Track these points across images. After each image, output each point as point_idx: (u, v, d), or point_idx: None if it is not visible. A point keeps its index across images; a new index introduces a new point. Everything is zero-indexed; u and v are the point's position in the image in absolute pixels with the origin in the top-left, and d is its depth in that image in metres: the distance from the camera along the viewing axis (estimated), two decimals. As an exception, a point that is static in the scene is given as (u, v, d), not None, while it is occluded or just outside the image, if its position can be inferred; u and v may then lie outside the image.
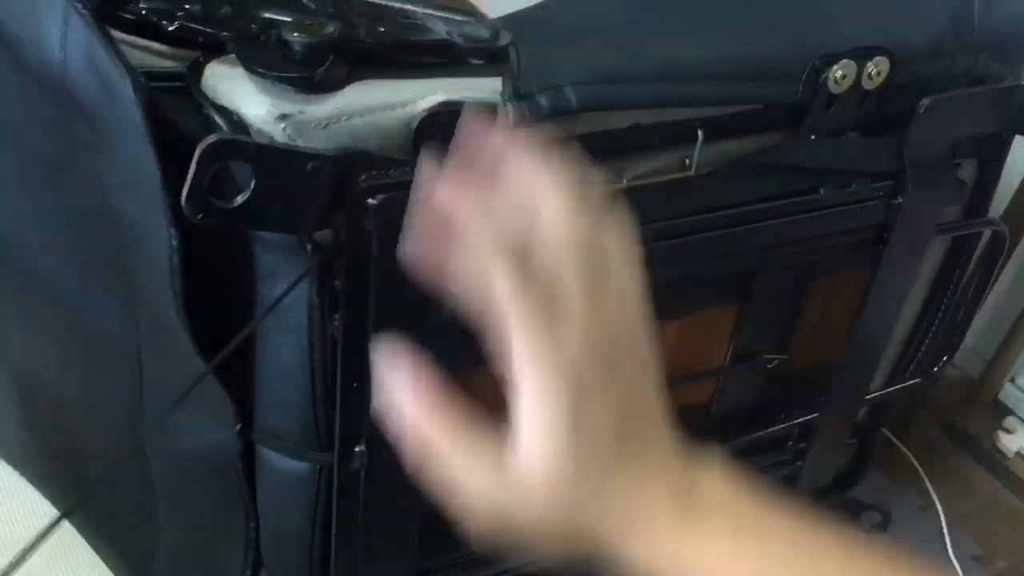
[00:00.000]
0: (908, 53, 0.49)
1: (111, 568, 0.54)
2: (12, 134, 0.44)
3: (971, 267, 0.64)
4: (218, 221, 0.33)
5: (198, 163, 0.32)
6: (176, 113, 0.37)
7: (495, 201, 0.29)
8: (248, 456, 0.46)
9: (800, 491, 0.69)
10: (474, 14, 0.41)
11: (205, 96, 0.37)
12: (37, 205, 0.46)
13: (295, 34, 0.36)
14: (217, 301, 0.40)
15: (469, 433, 0.29)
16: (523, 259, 0.28)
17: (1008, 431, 0.91)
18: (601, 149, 0.45)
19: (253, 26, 0.37)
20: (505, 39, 0.40)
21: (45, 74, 0.39)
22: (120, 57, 0.35)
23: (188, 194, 0.32)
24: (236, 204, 0.33)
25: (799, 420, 0.63)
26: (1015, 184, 0.77)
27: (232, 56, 0.36)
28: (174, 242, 0.37)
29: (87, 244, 0.45)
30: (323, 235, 0.38)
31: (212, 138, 0.32)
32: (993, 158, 0.58)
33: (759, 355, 0.59)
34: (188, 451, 0.48)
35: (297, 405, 0.43)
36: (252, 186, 0.33)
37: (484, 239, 0.28)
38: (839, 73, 0.47)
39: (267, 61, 0.36)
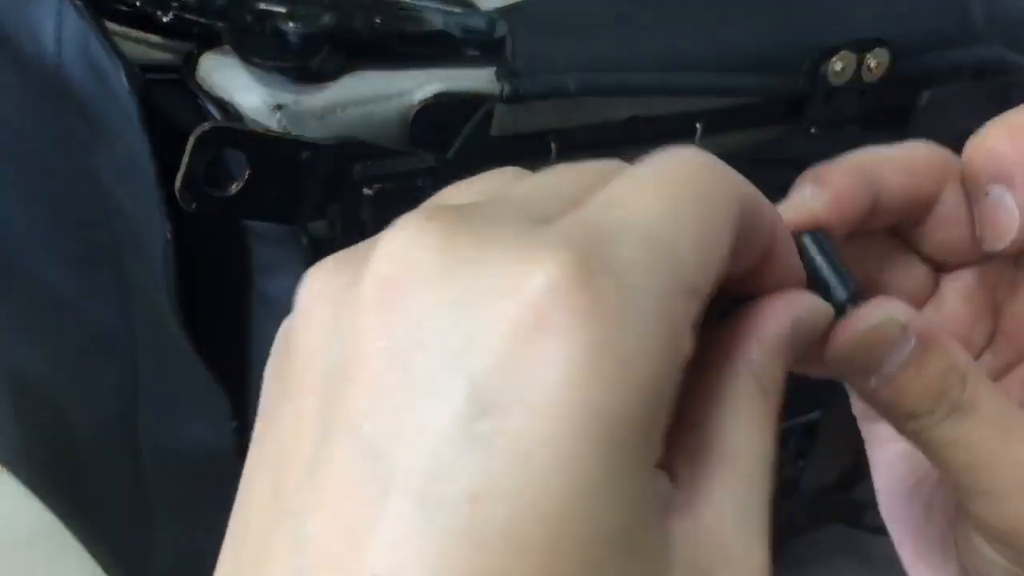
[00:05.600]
0: (909, 45, 0.48)
1: (106, 570, 0.53)
2: (5, 131, 0.44)
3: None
4: (213, 211, 0.33)
5: (192, 151, 0.32)
6: (171, 105, 0.37)
7: None
8: (244, 454, 0.46)
9: (802, 491, 0.68)
10: (470, 5, 0.41)
11: (200, 87, 0.37)
12: (30, 202, 0.46)
13: (290, 24, 0.36)
14: (212, 296, 0.40)
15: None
16: None
17: (1012, 433, 0.91)
18: (600, 141, 0.45)
19: (248, 16, 0.37)
20: (501, 30, 0.40)
21: (40, 69, 0.39)
22: (114, 48, 0.35)
23: (182, 183, 0.32)
24: (231, 193, 0.33)
25: (801, 419, 0.63)
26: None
27: (227, 47, 0.36)
28: (168, 235, 0.37)
29: (82, 241, 0.45)
30: (318, 226, 0.38)
31: (206, 125, 0.32)
32: (995, 153, 0.58)
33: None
34: (184, 450, 0.48)
35: (293, 400, 0.42)
36: (246, 175, 0.33)
37: None
38: (838, 65, 0.46)
39: (262, 51, 0.36)
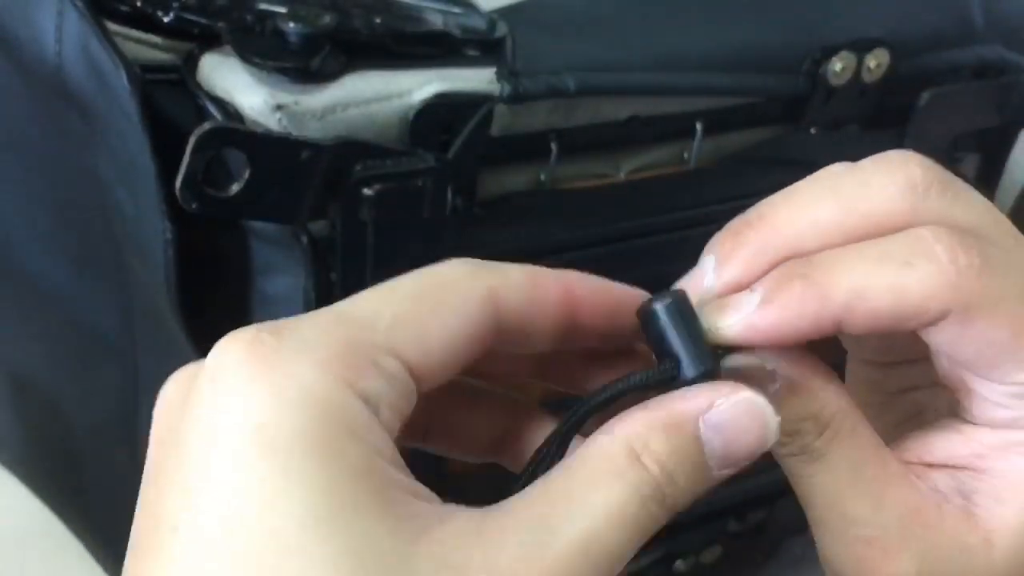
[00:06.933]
0: (909, 45, 0.48)
1: (104, 568, 0.53)
2: (6, 131, 0.44)
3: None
4: (213, 211, 0.33)
5: (193, 151, 0.32)
6: (171, 105, 0.37)
7: None
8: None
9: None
10: (470, 5, 0.41)
11: (200, 87, 0.37)
12: (31, 202, 0.46)
13: (291, 24, 0.36)
14: (212, 296, 0.40)
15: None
16: None
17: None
18: (598, 141, 0.45)
19: (249, 17, 0.37)
20: (501, 30, 0.40)
21: (40, 68, 0.38)
22: (115, 49, 0.35)
23: (183, 183, 0.32)
24: (231, 193, 0.33)
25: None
26: (1022, 181, 0.76)
27: (228, 47, 0.36)
28: (168, 235, 0.36)
29: (82, 241, 0.45)
30: (318, 226, 0.38)
31: (207, 125, 0.32)
32: (996, 153, 0.58)
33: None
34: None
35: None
36: (247, 175, 0.33)
37: None
38: (838, 66, 0.46)
39: (263, 51, 0.35)
